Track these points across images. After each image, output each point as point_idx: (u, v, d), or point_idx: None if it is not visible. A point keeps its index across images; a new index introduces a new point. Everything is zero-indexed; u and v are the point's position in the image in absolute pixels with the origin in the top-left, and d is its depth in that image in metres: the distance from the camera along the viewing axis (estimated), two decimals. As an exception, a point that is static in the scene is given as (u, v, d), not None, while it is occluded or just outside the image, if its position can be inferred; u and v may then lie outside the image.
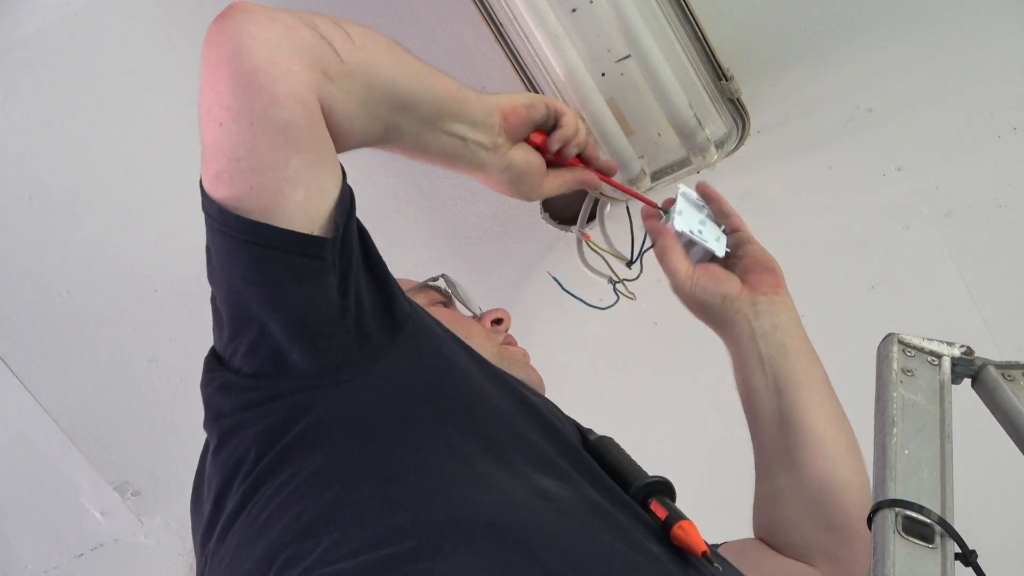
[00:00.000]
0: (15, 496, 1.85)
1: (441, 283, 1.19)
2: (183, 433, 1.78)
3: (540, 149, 1.10)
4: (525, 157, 1.08)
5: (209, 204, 0.84)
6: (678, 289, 1.14)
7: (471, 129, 1.02)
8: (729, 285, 1.12)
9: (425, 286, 1.16)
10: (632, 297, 1.26)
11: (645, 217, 1.17)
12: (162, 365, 1.77)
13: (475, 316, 1.16)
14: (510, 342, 1.14)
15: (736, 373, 1.13)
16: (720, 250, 1.14)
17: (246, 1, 0.84)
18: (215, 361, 0.90)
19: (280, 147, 0.82)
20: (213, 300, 0.90)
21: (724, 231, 1.16)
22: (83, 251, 1.71)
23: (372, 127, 0.92)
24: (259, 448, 0.84)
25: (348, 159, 1.77)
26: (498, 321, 1.14)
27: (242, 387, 0.87)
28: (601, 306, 1.26)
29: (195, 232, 1.82)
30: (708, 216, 1.17)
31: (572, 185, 1.14)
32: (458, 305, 1.19)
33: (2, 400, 1.77)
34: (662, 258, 1.13)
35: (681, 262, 1.12)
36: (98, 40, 1.61)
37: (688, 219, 1.14)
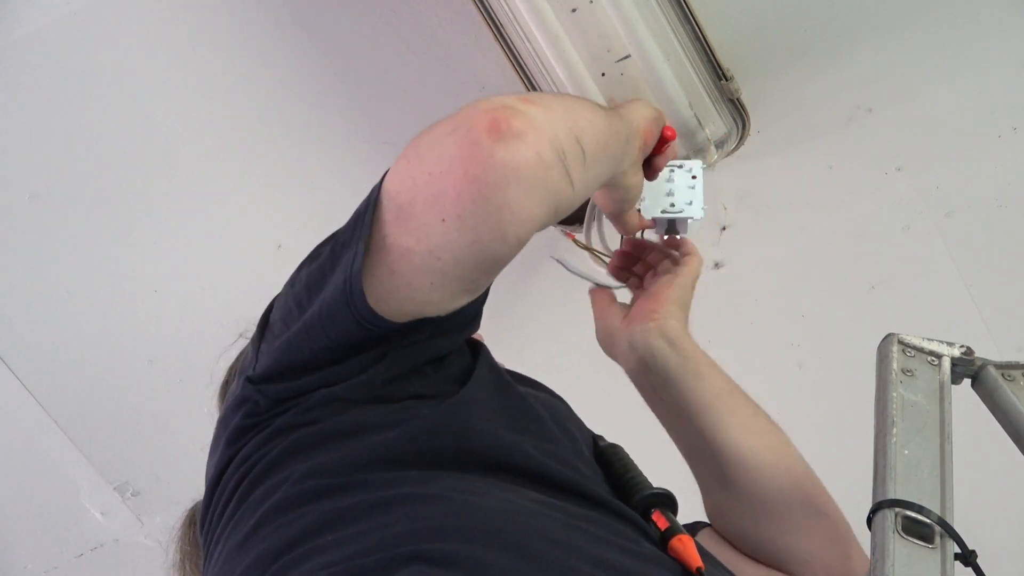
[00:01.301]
0: (15, 496, 1.85)
1: None
2: (183, 433, 1.78)
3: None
4: (641, 179, 1.05)
5: (359, 259, 0.81)
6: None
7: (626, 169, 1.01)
8: (612, 320, 1.12)
9: None
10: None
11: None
12: (162, 365, 1.77)
13: None
14: None
15: (648, 405, 1.12)
16: (699, 212, 1.09)
17: (524, 114, 0.79)
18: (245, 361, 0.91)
19: (480, 270, 0.82)
20: (268, 316, 0.90)
21: (692, 187, 1.09)
22: (83, 251, 1.71)
23: None
24: (258, 452, 0.84)
25: (350, 157, 1.77)
26: None
27: (261, 411, 0.87)
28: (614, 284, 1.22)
29: (195, 232, 1.83)
30: (672, 179, 1.10)
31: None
32: None
33: (2, 400, 1.77)
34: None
35: (596, 302, 1.15)
36: (98, 40, 1.61)
37: (654, 201, 1.09)
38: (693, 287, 1.12)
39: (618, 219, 1.08)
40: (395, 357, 0.85)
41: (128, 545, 1.88)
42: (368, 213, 0.82)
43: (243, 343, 1.18)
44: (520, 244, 0.82)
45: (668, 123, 1.06)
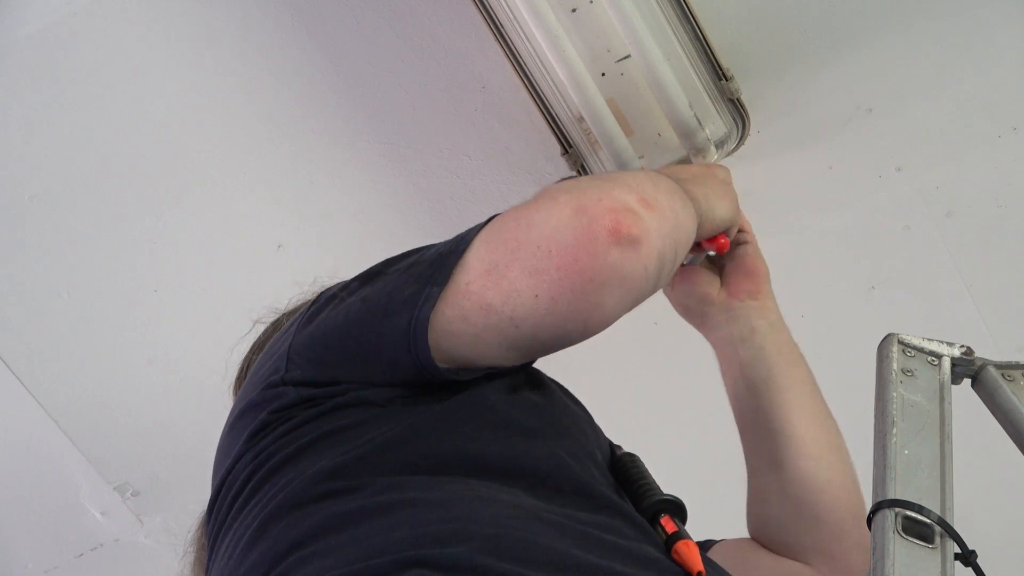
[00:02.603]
0: (15, 496, 1.85)
1: None
2: (183, 433, 1.78)
3: None
4: None
5: (422, 336, 0.82)
6: (664, 290, 1.16)
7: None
8: (706, 288, 1.13)
9: None
10: None
11: None
12: (162, 365, 1.77)
13: None
14: None
15: (722, 375, 1.14)
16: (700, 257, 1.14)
17: (643, 223, 0.81)
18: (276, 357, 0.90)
19: (548, 348, 0.85)
20: (328, 298, 0.90)
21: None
22: (83, 251, 1.71)
23: None
24: (274, 445, 0.84)
25: (350, 157, 1.77)
26: None
27: (289, 405, 0.87)
28: None
29: (195, 232, 1.83)
30: None
31: None
32: None
33: (2, 400, 1.77)
34: None
35: None
36: (98, 40, 1.61)
37: None
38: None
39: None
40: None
41: (128, 545, 1.88)
42: (454, 257, 0.83)
43: (260, 328, 1.19)
44: (593, 335, 0.84)
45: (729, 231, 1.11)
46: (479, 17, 1.46)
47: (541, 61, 1.45)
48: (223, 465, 0.89)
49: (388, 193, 1.67)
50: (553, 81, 1.45)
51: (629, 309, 0.85)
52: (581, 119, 1.48)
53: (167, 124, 1.66)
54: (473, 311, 0.81)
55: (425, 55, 1.60)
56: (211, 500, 0.90)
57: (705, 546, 1.09)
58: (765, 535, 1.09)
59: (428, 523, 0.76)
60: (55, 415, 1.79)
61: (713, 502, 1.17)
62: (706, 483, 1.41)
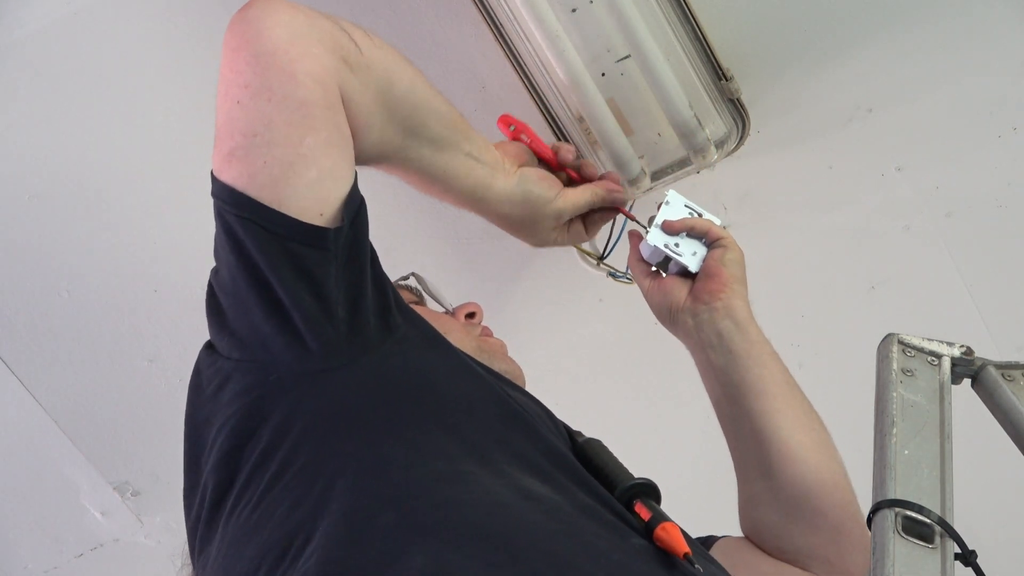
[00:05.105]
0: (15, 496, 1.85)
1: (412, 282, 1.19)
2: (183, 433, 1.78)
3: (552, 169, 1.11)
4: (537, 171, 1.08)
5: (219, 187, 0.84)
6: (646, 301, 1.16)
7: (482, 151, 1.02)
8: (674, 297, 1.12)
9: (396, 285, 1.16)
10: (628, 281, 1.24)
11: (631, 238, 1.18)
12: (162, 365, 1.77)
13: (448, 312, 1.16)
14: (487, 334, 1.13)
15: (702, 381, 1.13)
16: (695, 265, 1.11)
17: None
18: (211, 354, 0.90)
19: (296, 124, 0.82)
20: (211, 287, 0.90)
21: (705, 243, 1.13)
22: (83, 251, 1.71)
23: (389, 130, 0.93)
24: (249, 444, 0.84)
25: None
26: (471, 315, 1.13)
27: (237, 373, 0.87)
28: (622, 275, 1.23)
29: (195, 232, 1.83)
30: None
31: (598, 198, 1.12)
32: (430, 302, 1.19)
33: (2, 400, 1.77)
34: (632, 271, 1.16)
35: (641, 277, 1.15)
36: (98, 40, 1.61)
37: (661, 235, 1.12)
38: (743, 263, 1.12)
39: (550, 212, 1.08)
40: (330, 289, 0.84)
41: (128, 545, 1.88)
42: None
43: None
44: (318, 81, 0.83)
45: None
46: (479, 17, 1.46)
47: (541, 61, 1.45)
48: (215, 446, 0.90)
49: (388, 193, 1.66)
50: (553, 81, 1.46)
51: (327, 49, 0.85)
52: (581, 119, 1.48)
53: (167, 124, 1.66)
54: (248, 179, 0.83)
55: (425, 55, 1.60)
56: (197, 512, 0.90)
57: (707, 543, 1.09)
58: (761, 540, 1.08)
59: (410, 512, 0.76)
60: (55, 415, 1.79)
61: (715, 500, 1.17)
62: (708, 481, 1.41)
